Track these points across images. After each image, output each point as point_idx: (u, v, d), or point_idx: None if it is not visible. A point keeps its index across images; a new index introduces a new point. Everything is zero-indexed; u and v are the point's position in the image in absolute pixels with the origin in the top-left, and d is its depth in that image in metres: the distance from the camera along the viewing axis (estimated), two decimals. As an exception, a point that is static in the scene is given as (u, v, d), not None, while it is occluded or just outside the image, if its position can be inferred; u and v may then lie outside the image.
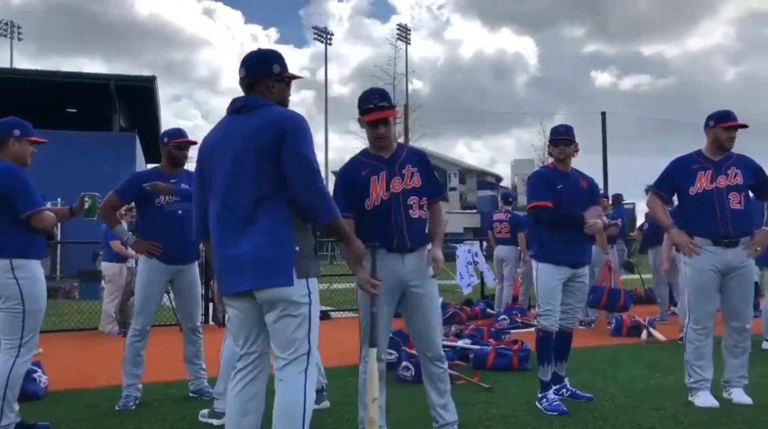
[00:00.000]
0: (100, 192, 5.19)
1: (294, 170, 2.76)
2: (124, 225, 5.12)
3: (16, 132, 4.09)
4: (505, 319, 9.02)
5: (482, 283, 11.78)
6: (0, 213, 3.93)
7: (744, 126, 4.75)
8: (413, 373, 5.50)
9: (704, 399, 4.64)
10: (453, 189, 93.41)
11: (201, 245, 5.59)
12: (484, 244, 12.25)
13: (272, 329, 2.87)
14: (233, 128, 2.91)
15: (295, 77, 3.08)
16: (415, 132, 47.38)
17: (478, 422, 4.31)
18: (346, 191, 3.62)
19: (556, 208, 4.61)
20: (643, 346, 7.49)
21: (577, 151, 4.81)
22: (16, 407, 4.04)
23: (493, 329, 7.50)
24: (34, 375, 5.26)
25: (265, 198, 2.80)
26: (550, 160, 4.93)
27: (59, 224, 4.35)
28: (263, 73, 2.97)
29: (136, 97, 25.64)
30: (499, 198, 11.50)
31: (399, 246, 3.57)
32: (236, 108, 2.95)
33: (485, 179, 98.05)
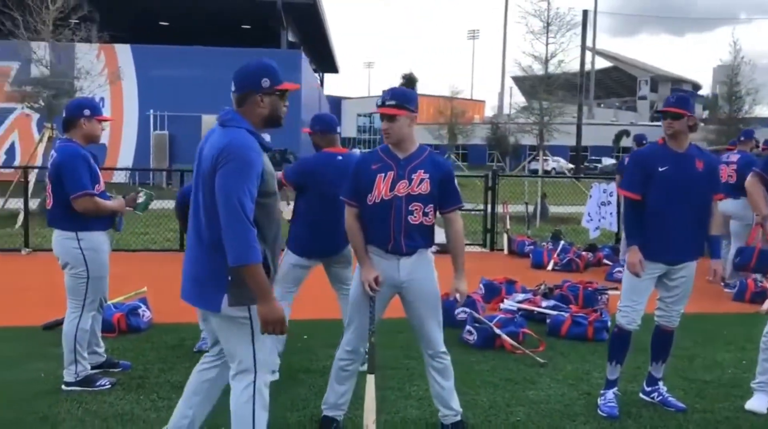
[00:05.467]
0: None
1: (218, 199, 2.74)
2: None
3: (86, 112, 4.38)
4: (620, 272, 8.57)
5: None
6: (64, 191, 4.27)
7: None
8: (475, 338, 5.55)
9: (755, 403, 4.33)
10: (643, 98, 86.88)
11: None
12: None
13: (219, 338, 3.02)
14: (207, 143, 2.91)
15: (287, 89, 2.97)
16: (599, 38, 44.47)
17: (504, 405, 4.33)
18: (355, 180, 3.65)
19: (640, 206, 4.17)
20: (758, 318, 6.81)
21: (694, 125, 4.10)
22: (95, 350, 4.68)
23: (589, 288, 7.18)
24: (139, 310, 6.00)
25: (210, 220, 2.81)
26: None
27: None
28: (251, 88, 2.90)
29: (302, 15, 26.39)
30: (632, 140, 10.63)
31: (394, 249, 3.58)
32: (219, 121, 2.94)
33: (680, 87, 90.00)
